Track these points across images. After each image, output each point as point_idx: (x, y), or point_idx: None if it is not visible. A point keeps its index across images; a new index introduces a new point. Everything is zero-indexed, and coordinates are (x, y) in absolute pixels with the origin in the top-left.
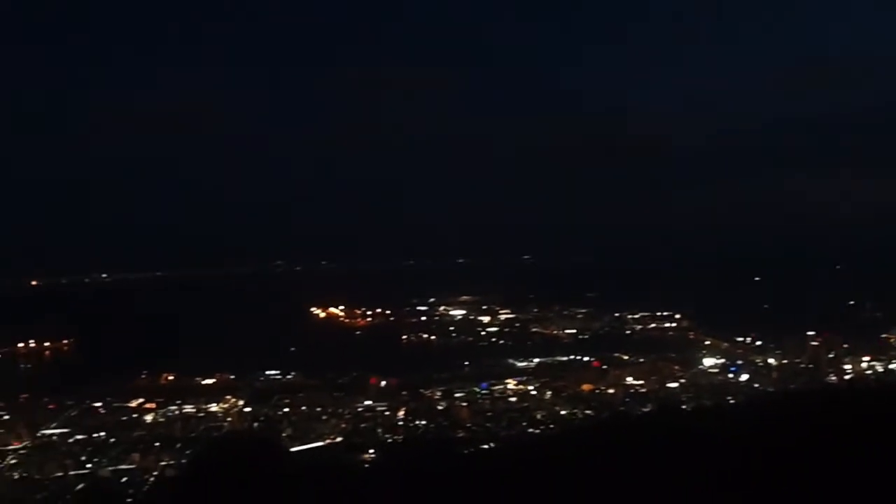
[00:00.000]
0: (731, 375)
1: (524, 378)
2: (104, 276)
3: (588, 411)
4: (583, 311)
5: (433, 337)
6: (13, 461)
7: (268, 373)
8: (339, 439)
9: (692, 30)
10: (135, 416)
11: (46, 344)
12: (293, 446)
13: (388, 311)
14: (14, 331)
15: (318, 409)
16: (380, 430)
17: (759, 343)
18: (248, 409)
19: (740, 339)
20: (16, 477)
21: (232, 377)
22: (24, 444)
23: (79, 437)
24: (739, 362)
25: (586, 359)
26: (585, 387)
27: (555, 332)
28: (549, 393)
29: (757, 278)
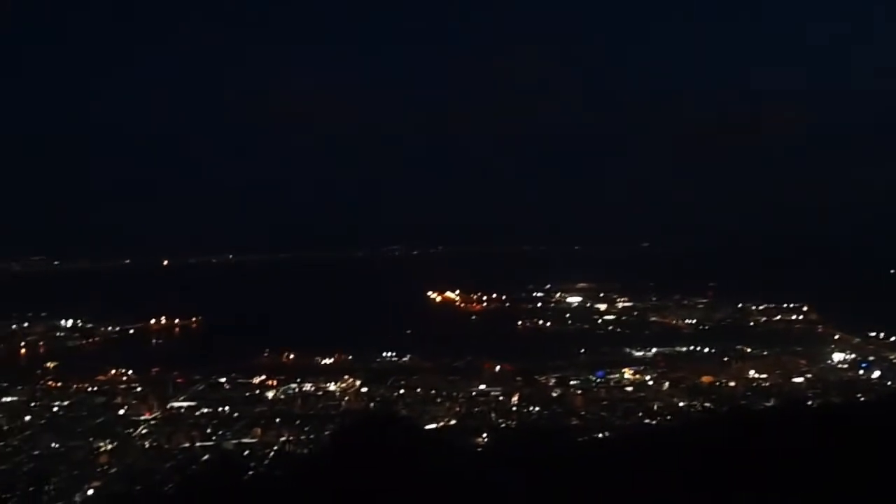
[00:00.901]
0: (861, 372)
1: (641, 368)
2: (230, 256)
3: (707, 404)
4: (704, 300)
5: (548, 323)
6: (144, 431)
7: (384, 354)
8: (452, 422)
9: None
10: (257, 392)
11: (176, 321)
12: None
13: (503, 297)
14: (146, 308)
15: (433, 391)
16: (493, 415)
17: (893, 339)
18: (364, 390)
19: (872, 334)
20: (146, 446)
21: (350, 358)
22: (154, 415)
23: (205, 410)
24: (871, 358)
25: (706, 350)
26: (705, 379)
27: (674, 321)
28: (666, 384)
29: (893, 270)
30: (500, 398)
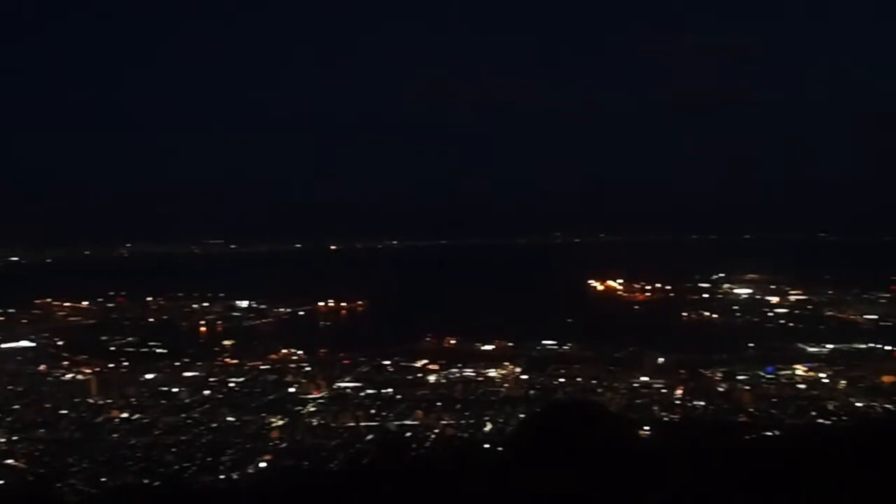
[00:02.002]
0: None
1: (815, 364)
2: (394, 242)
3: (888, 405)
4: (886, 295)
5: (715, 315)
6: (312, 409)
7: (544, 342)
8: None
9: None
10: (419, 375)
11: (343, 304)
12: None
13: (668, 287)
14: (315, 291)
15: (594, 381)
16: (656, 408)
17: None
18: (524, 377)
19: None
20: (314, 423)
21: (510, 345)
22: (322, 394)
23: (369, 391)
24: None
25: (888, 348)
26: (886, 378)
27: (852, 316)
28: (843, 382)
29: None
30: (663, 391)
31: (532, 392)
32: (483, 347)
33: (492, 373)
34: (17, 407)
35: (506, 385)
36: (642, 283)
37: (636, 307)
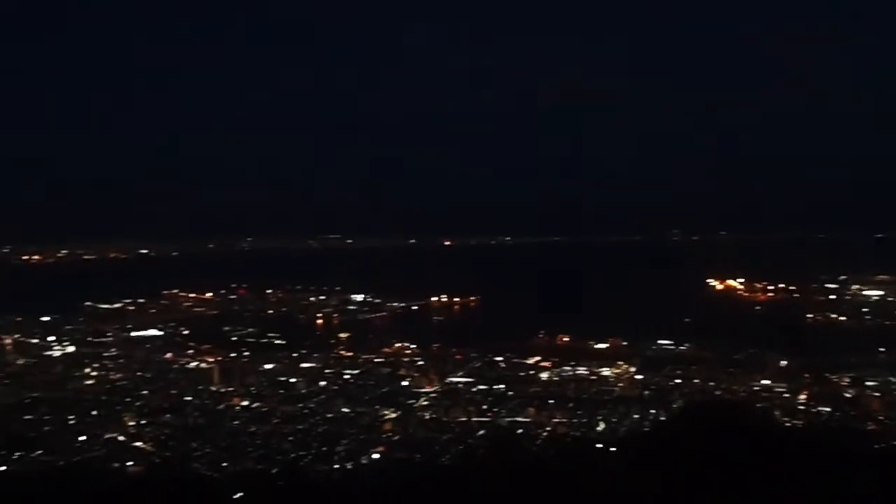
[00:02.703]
0: None
1: None
2: (507, 238)
3: None
4: None
5: (843, 318)
6: (425, 403)
7: (660, 342)
8: None
9: None
10: (531, 372)
11: (456, 299)
12: None
13: (791, 287)
14: (429, 285)
15: (711, 383)
16: (777, 413)
17: None
18: (639, 377)
19: None
20: (426, 417)
21: (624, 343)
22: (434, 388)
23: (481, 386)
24: None
25: None
26: None
27: None
28: None
29: None
30: (786, 395)
31: (647, 393)
32: (597, 346)
33: (605, 372)
34: (145, 392)
35: (620, 384)
36: (764, 283)
37: (757, 307)
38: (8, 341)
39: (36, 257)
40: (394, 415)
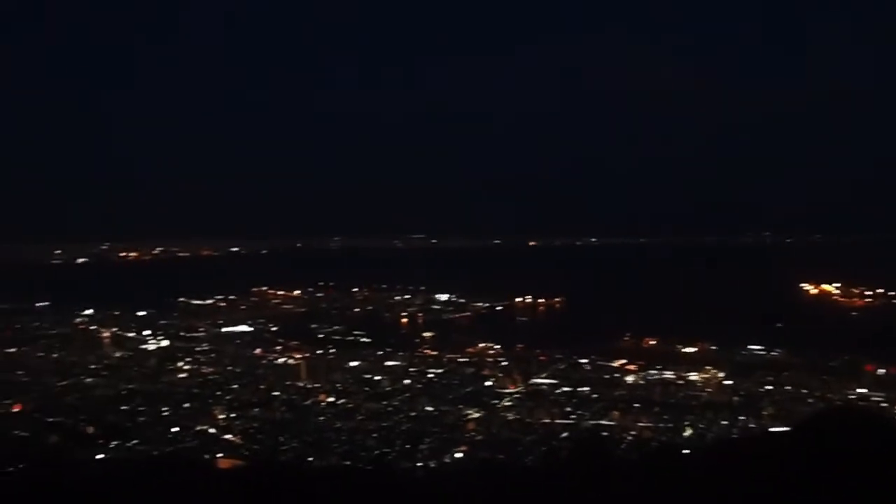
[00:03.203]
0: None
1: None
2: (593, 239)
3: None
4: None
5: None
6: (508, 403)
7: (751, 347)
8: None
9: None
10: (616, 375)
11: (541, 300)
12: (773, 427)
13: (891, 293)
14: (513, 286)
15: (804, 390)
16: None
17: None
18: (728, 382)
19: None
20: (509, 418)
21: (713, 348)
22: (518, 389)
23: (565, 388)
24: None
25: None
26: None
27: None
28: None
29: None
30: (883, 405)
31: (736, 399)
32: (684, 349)
33: (693, 376)
34: (235, 386)
35: (707, 390)
36: (861, 288)
37: (854, 313)
38: (106, 335)
39: (133, 254)
40: (477, 414)
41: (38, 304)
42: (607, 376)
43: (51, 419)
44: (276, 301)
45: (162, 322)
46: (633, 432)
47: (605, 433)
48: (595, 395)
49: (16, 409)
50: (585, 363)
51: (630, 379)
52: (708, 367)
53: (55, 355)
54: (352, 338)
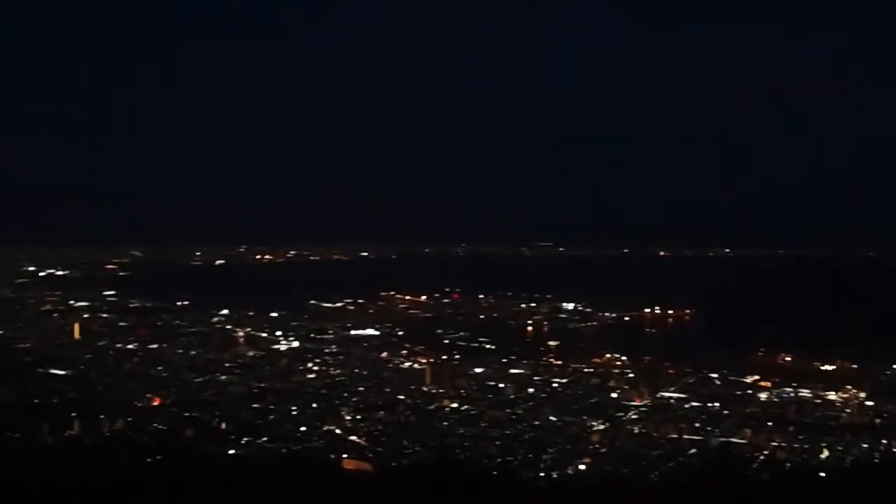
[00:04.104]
0: None
1: None
2: (727, 250)
3: None
4: None
5: None
6: (634, 416)
7: None
8: None
9: None
10: (749, 391)
11: (670, 311)
12: None
13: None
14: (641, 296)
15: None
16: None
17: None
18: (869, 403)
19: None
20: (635, 431)
21: (854, 366)
22: (644, 402)
23: (694, 403)
24: None
25: None
26: None
27: None
28: None
29: None
30: None
31: (879, 421)
32: (822, 367)
33: (831, 395)
34: (361, 389)
35: (847, 410)
36: None
37: None
38: (240, 334)
39: (268, 257)
40: (602, 426)
41: (178, 303)
42: (739, 392)
43: (187, 414)
44: (403, 306)
45: (293, 323)
46: (765, 451)
47: (735, 451)
48: (726, 412)
49: (155, 403)
50: (716, 378)
51: (763, 396)
52: (848, 387)
53: (193, 352)
54: (476, 344)
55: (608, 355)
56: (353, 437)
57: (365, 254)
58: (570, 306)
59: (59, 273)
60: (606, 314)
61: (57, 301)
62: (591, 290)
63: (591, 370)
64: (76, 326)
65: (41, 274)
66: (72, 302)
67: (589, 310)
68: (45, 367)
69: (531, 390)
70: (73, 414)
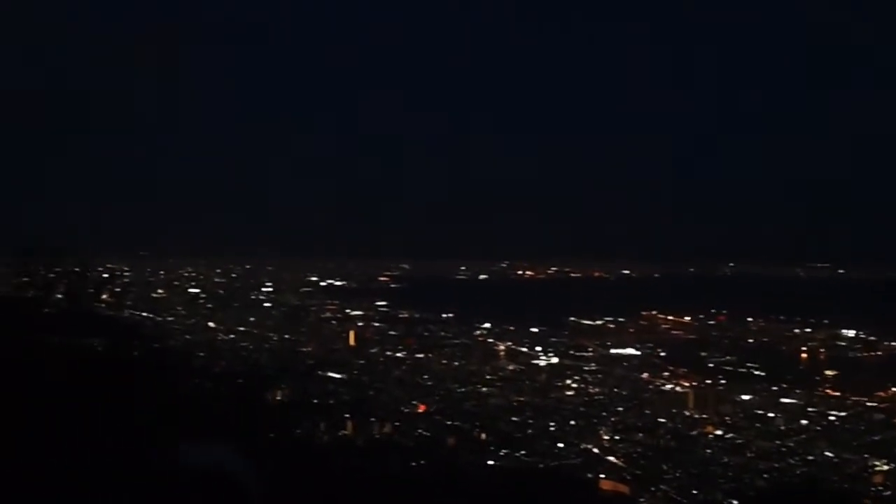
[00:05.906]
0: None
1: None
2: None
3: None
4: None
5: None
6: None
7: None
8: None
9: None
10: None
11: None
12: None
13: None
14: None
15: None
16: None
17: None
18: None
19: None
20: None
21: None
22: None
23: None
24: None
25: None
26: None
27: None
28: None
29: None
30: None
31: None
32: None
33: None
34: (620, 409)
35: None
36: None
37: None
38: (501, 348)
39: (529, 273)
40: (886, 467)
41: (443, 315)
42: None
43: (449, 422)
44: (666, 326)
45: (553, 339)
46: None
47: None
48: None
49: (420, 410)
50: None
51: None
52: None
53: (456, 363)
54: (744, 370)
55: (894, 389)
56: (611, 458)
57: (626, 272)
58: (851, 333)
59: (338, 283)
60: (893, 343)
61: (335, 309)
62: (876, 317)
63: (875, 404)
64: (352, 334)
65: (322, 284)
66: (348, 310)
67: (873, 338)
68: (324, 371)
69: (804, 422)
70: (347, 415)
